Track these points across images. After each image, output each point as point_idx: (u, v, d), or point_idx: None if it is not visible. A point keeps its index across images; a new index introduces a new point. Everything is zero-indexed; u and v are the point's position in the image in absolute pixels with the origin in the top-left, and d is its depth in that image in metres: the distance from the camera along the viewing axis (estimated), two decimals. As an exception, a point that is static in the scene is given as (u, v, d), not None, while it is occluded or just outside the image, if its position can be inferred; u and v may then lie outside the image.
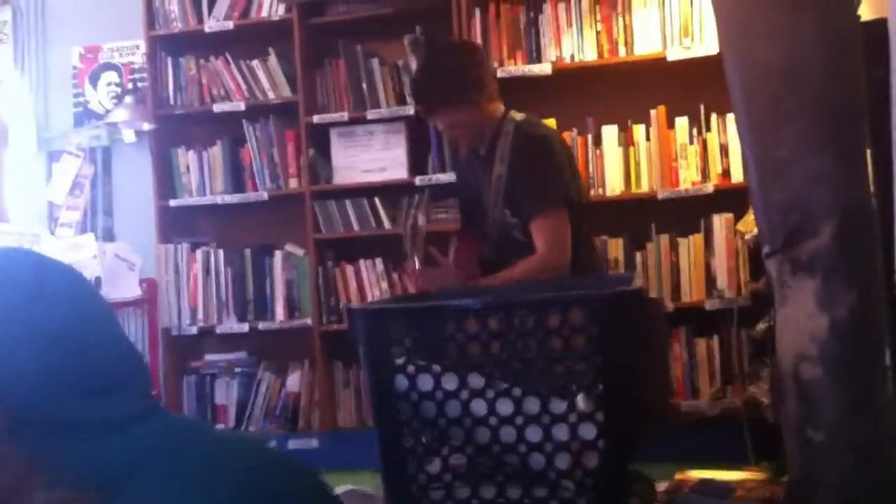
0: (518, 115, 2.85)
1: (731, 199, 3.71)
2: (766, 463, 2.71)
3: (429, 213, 4.00)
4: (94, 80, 4.62)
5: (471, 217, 2.94)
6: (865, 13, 2.83)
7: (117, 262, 4.22)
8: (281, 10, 4.15)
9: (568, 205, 2.71)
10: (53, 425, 0.96)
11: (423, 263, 2.70)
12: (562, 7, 3.89)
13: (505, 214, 2.75)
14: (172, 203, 4.29)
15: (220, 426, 4.06)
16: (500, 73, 3.87)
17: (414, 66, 4.02)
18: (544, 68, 3.86)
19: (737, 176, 3.72)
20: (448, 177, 3.91)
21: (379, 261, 4.07)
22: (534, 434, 1.43)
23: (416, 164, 4.05)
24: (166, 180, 4.33)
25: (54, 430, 0.96)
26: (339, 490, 1.84)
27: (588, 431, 1.41)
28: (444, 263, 2.74)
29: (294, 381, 4.17)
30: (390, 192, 4.08)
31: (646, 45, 3.82)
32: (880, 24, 2.50)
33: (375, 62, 4.10)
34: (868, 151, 1.79)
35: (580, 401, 1.43)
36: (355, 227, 4.07)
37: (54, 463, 0.96)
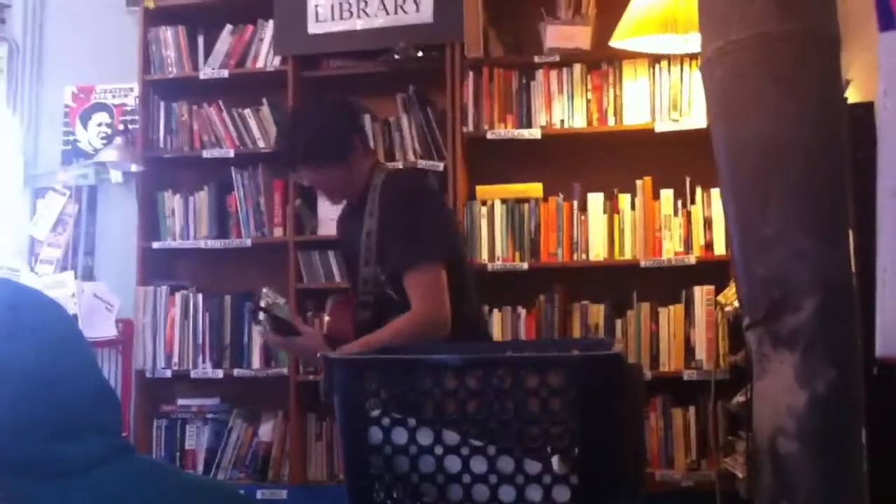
0: (387, 167, 2.75)
1: (712, 272, 3.73)
2: (738, 538, 2.69)
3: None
4: (85, 120, 4.63)
5: (351, 277, 2.77)
6: (852, 96, 2.89)
7: (95, 301, 4.19)
8: (276, 61, 4.19)
9: (444, 258, 2.52)
10: (14, 467, 0.94)
11: (276, 333, 2.55)
12: (554, 74, 3.95)
13: (377, 272, 2.58)
14: (155, 245, 4.28)
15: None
16: (489, 136, 3.92)
17: (405, 123, 4.06)
18: (534, 133, 3.91)
19: (719, 249, 3.75)
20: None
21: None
22: (507, 494, 1.42)
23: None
24: (151, 222, 4.32)
25: (15, 472, 0.94)
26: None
27: (562, 494, 1.40)
28: (303, 333, 2.59)
29: (266, 430, 4.12)
30: (374, 247, 4.08)
31: (635, 115, 3.88)
32: (866, 108, 2.55)
33: (367, 118, 4.13)
34: (850, 231, 1.81)
35: (555, 462, 1.42)
36: (337, 278, 4.06)
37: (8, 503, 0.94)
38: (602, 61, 3.92)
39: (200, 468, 4.12)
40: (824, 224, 1.68)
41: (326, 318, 2.75)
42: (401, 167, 2.76)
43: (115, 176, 4.52)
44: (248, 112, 4.26)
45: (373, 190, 2.61)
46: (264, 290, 2.57)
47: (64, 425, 0.97)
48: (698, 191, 3.84)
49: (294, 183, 4.10)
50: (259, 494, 3.95)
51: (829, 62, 1.73)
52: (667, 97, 3.85)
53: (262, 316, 2.57)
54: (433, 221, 2.58)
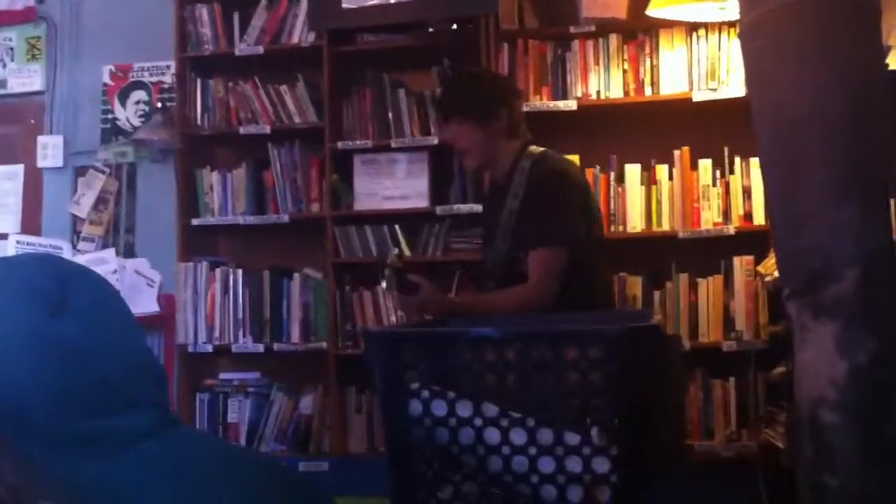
0: (537, 150, 2.86)
1: (752, 242, 3.70)
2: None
3: (447, 242, 4.01)
4: (123, 98, 4.67)
5: (485, 251, 2.97)
6: (893, 62, 2.83)
7: (137, 277, 4.25)
8: (311, 36, 4.19)
9: (573, 245, 2.71)
10: (57, 440, 0.95)
11: (400, 291, 2.66)
12: (590, 45, 3.91)
13: (512, 248, 2.78)
14: (194, 222, 4.32)
15: (230, 446, 4.05)
16: (525, 108, 3.88)
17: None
18: (570, 104, 3.88)
19: (758, 219, 3.72)
20: (468, 207, 3.92)
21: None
22: (547, 465, 1.43)
23: (438, 193, 4.07)
24: (189, 199, 4.36)
25: (57, 445, 0.95)
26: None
27: (601, 465, 1.41)
28: (423, 288, 2.66)
29: (307, 403, 4.16)
30: (411, 220, 4.09)
31: (672, 85, 3.83)
32: (908, 74, 2.50)
33: (402, 92, 4.13)
34: (893, 200, 1.79)
35: (595, 434, 1.43)
36: (374, 253, 4.08)
37: (53, 477, 0.95)
38: (638, 31, 3.88)
39: (243, 441, 4.17)
40: (865, 194, 1.66)
41: (454, 289, 2.94)
42: (548, 150, 2.87)
43: (154, 154, 4.56)
44: (283, 88, 4.27)
45: (520, 172, 2.79)
46: (393, 249, 2.69)
47: (108, 399, 0.98)
48: (737, 160, 3.80)
49: (330, 158, 4.12)
50: (301, 467, 3.99)
51: (868, 29, 1.70)
52: (704, 66, 3.80)
53: (387, 272, 2.67)
54: (570, 209, 2.74)
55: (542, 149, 2.89)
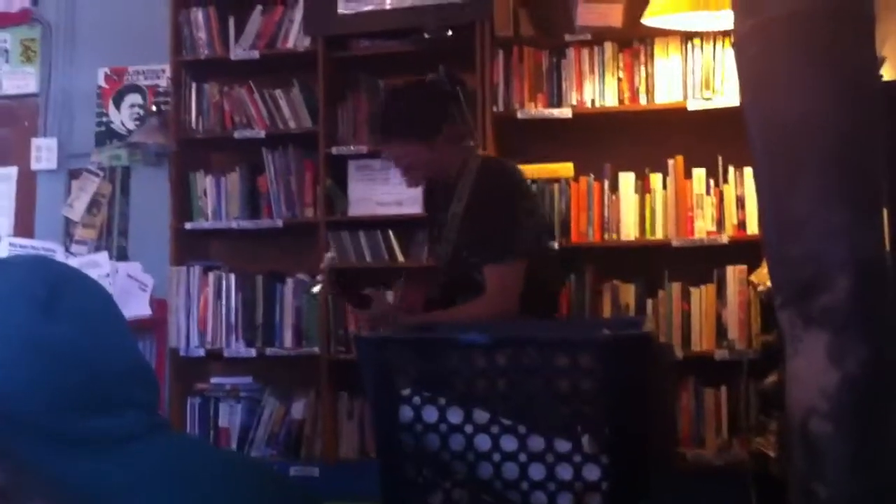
0: (482, 154, 2.83)
1: (745, 251, 3.70)
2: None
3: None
4: (118, 102, 4.67)
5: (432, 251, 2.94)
6: (887, 73, 2.85)
7: (129, 281, 4.23)
8: (306, 42, 4.20)
9: (527, 253, 2.66)
10: (48, 439, 0.96)
11: (338, 295, 2.68)
12: (585, 53, 3.92)
13: (455, 252, 2.73)
14: (188, 226, 4.31)
15: (221, 451, 4.04)
16: (519, 115, 3.90)
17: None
18: (564, 112, 3.88)
19: (752, 228, 3.72)
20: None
21: (390, 294, 4.07)
22: (537, 472, 1.43)
23: (432, 199, 4.07)
24: (183, 203, 4.36)
25: (49, 444, 0.96)
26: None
27: (592, 473, 1.41)
28: (376, 302, 2.70)
29: (299, 408, 4.15)
30: (405, 227, 4.09)
31: (667, 94, 3.84)
32: (902, 84, 2.51)
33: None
34: (885, 209, 1.79)
35: (586, 442, 1.43)
36: (368, 258, 4.08)
37: (42, 476, 0.95)
38: (634, 39, 3.88)
39: (234, 446, 4.17)
40: (857, 202, 1.66)
41: (399, 293, 2.88)
42: (499, 158, 2.84)
43: (148, 157, 4.56)
44: (278, 93, 4.27)
45: (467, 174, 2.72)
46: (328, 254, 2.71)
47: (99, 400, 0.98)
48: (731, 170, 3.81)
49: (325, 163, 4.12)
50: (292, 472, 3.98)
51: (863, 39, 1.70)
52: (699, 75, 3.81)
53: (318, 277, 2.68)
54: (520, 217, 2.68)
55: (487, 153, 2.86)
